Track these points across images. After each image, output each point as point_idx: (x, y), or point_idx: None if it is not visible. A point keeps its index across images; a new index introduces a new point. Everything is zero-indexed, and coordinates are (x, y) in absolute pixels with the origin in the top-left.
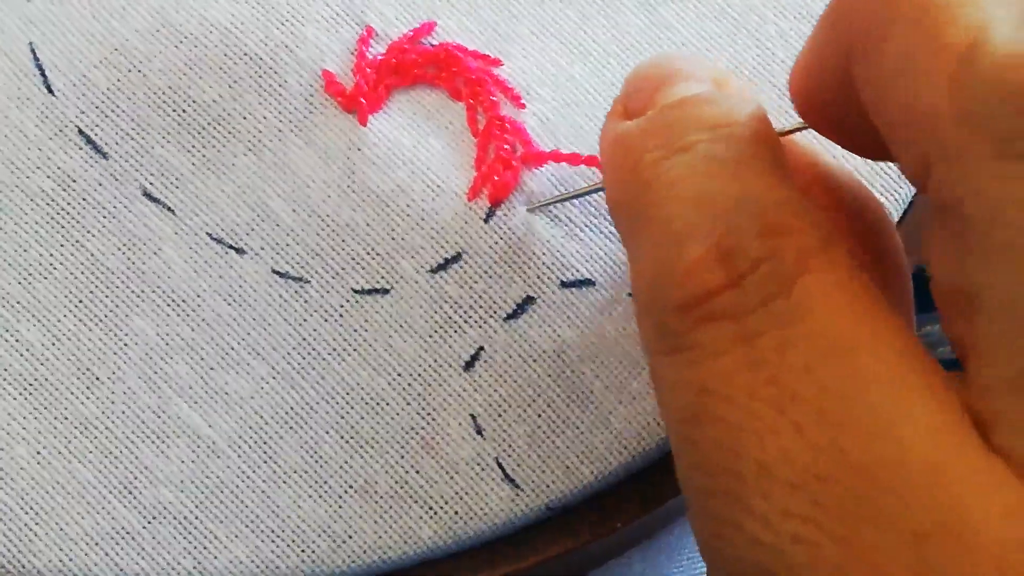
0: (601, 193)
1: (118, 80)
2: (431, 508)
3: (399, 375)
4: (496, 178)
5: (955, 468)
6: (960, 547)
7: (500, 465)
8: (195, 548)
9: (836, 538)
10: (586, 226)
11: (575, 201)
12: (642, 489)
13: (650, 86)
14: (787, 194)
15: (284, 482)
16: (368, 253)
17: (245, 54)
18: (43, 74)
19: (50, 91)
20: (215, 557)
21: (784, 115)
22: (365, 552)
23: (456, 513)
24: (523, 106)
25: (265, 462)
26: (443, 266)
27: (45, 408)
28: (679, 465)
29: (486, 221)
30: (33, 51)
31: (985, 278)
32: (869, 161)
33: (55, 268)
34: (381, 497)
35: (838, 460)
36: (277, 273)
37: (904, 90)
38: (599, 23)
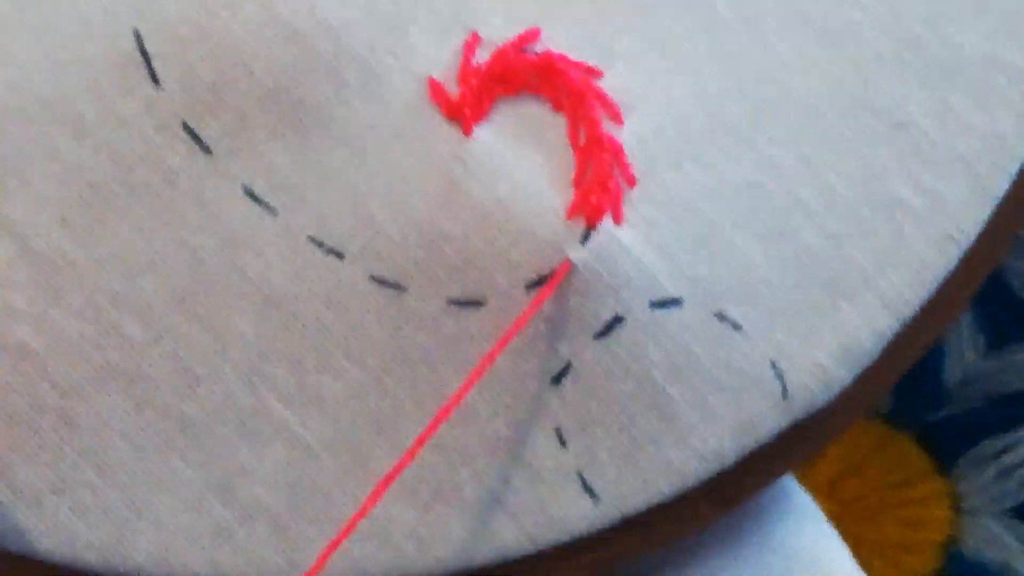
0: (692, 216)
1: (224, 74)
2: (514, 515)
3: (489, 386)
4: (593, 200)
5: None
6: None
7: (581, 477)
8: (288, 547)
9: None
10: (677, 246)
11: (669, 224)
12: (715, 492)
13: None
14: None
15: (374, 486)
16: (466, 264)
17: (352, 57)
18: (149, 64)
19: (155, 81)
20: (307, 557)
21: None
22: (449, 557)
23: (537, 521)
24: (622, 123)
25: (357, 466)
26: (538, 282)
27: (147, 405)
28: None
29: (582, 242)
30: (139, 39)
31: None
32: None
33: (159, 264)
34: (467, 504)
35: None
36: (375, 279)
37: None
38: (701, 40)
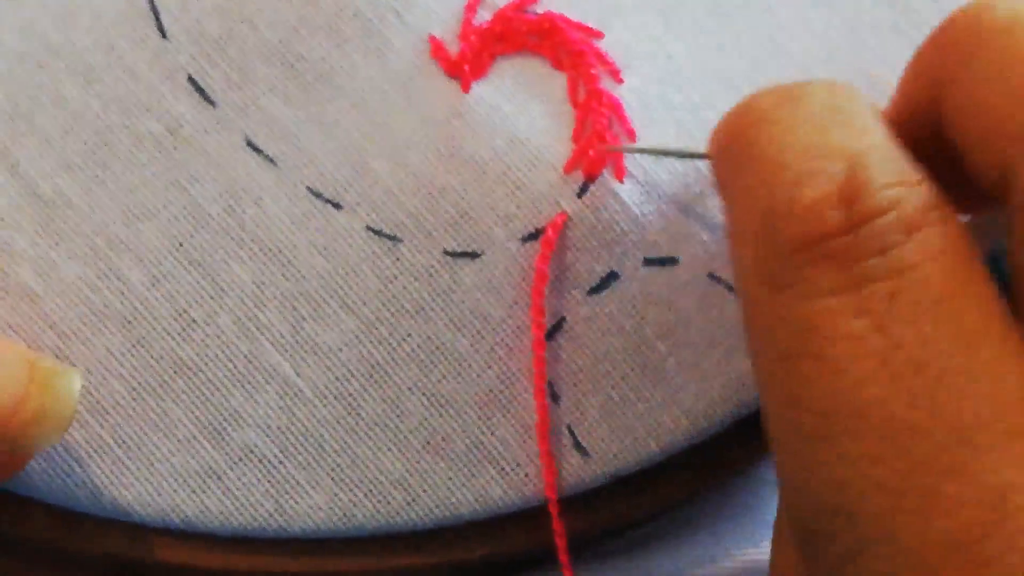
0: (692, 172)
1: (229, 29)
2: (503, 469)
3: (483, 338)
4: (591, 153)
5: None
6: None
7: (572, 432)
8: (277, 492)
9: (920, 489)
10: (675, 204)
11: (667, 179)
12: (702, 462)
13: None
14: (904, 150)
15: (365, 434)
16: (462, 217)
17: (354, 14)
18: (157, 17)
19: (163, 34)
20: (295, 502)
21: None
22: (437, 507)
23: (527, 475)
24: (622, 80)
25: (348, 413)
26: (534, 236)
27: (142, 347)
28: (768, 402)
29: (579, 196)
30: None
31: None
32: None
33: (159, 211)
34: (456, 455)
35: (932, 414)
36: (372, 230)
37: (990, 102)
38: (700, 1)
